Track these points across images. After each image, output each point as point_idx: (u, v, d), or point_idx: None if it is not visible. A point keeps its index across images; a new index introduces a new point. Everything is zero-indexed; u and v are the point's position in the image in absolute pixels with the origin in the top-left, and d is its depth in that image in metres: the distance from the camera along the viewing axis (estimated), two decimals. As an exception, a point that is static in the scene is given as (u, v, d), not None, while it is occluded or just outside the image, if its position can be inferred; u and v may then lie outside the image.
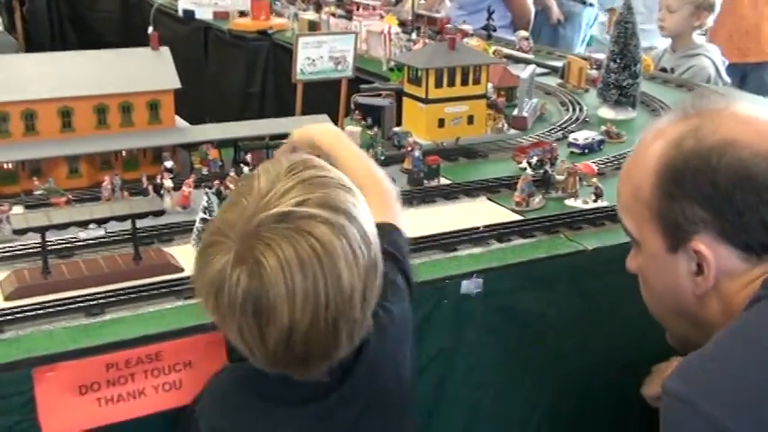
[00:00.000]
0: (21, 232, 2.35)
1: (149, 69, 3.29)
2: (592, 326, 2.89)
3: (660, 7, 5.78)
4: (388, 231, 2.18)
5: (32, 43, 9.93)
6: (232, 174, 3.06)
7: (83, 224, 2.41)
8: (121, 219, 2.45)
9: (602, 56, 5.36)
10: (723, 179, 1.75)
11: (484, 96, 3.93)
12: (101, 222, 2.41)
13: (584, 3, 8.77)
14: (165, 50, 3.36)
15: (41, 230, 2.33)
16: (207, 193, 2.64)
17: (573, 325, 2.85)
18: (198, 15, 7.65)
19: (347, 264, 1.64)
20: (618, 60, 4.28)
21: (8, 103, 3.00)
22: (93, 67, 3.23)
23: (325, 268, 1.61)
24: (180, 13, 7.87)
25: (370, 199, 2.07)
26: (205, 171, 3.30)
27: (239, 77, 7.11)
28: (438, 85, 3.78)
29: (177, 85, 3.28)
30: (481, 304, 2.62)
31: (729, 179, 1.74)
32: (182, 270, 2.52)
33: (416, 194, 3.19)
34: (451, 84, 3.81)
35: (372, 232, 1.74)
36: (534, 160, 3.28)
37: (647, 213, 1.89)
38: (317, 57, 3.71)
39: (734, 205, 1.74)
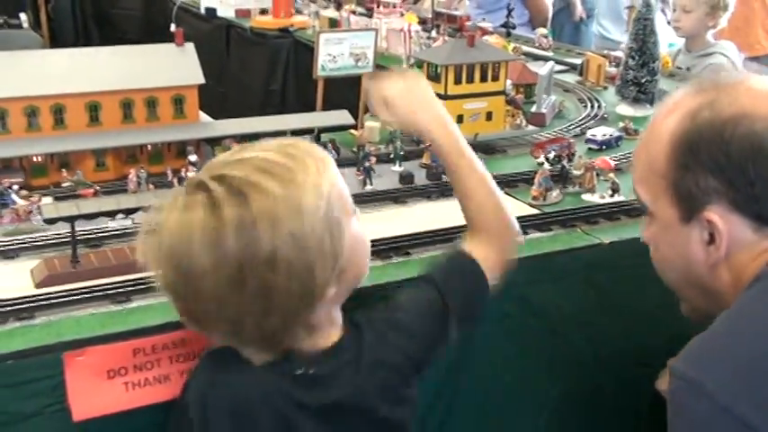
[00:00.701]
0: (51, 221, 2.43)
1: (174, 65, 3.36)
2: (606, 319, 2.93)
3: (674, 8, 5.77)
4: (467, 274, 2.21)
5: (57, 41, 10.07)
6: (254, 167, 3.12)
7: (111, 214, 2.48)
8: (148, 209, 2.51)
9: (621, 53, 5.40)
10: (737, 150, 1.78)
11: (502, 93, 3.96)
12: (128, 213, 2.49)
13: None
14: (190, 46, 3.43)
15: (71, 220, 2.40)
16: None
17: (587, 317, 2.89)
18: (220, 13, 7.75)
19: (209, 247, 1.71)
20: (636, 57, 4.31)
21: (38, 97, 3.08)
22: (120, 63, 3.31)
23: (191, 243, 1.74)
24: (202, 10, 7.97)
25: (485, 238, 2.14)
26: (228, 165, 3.37)
27: (260, 75, 7.19)
28: (457, 81, 3.81)
29: (201, 80, 3.35)
30: (497, 295, 2.66)
31: (743, 151, 1.78)
32: (205, 260, 2.58)
33: (435, 189, 3.24)
34: (470, 80, 3.84)
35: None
36: (552, 155, 3.32)
37: (662, 184, 1.93)
38: (337, 53, 3.76)
39: (746, 176, 1.78)
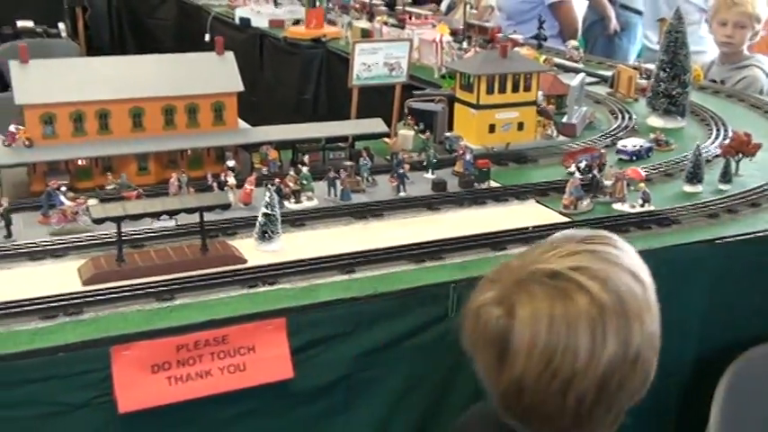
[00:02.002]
0: (99, 221, 2.52)
1: (214, 73, 3.45)
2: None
3: (721, 22, 5.71)
4: None
5: (93, 49, 10.26)
6: (291, 173, 3.21)
7: (155, 215, 2.57)
8: (191, 211, 2.61)
9: (652, 66, 5.43)
10: None
11: (534, 103, 4.02)
12: (172, 214, 2.58)
13: (640, 13, 8.75)
14: (230, 55, 3.52)
15: (117, 220, 2.49)
16: (269, 190, 2.78)
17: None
18: (254, 23, 7.88)
19: (589, 342, 1.59)
20: (667, 69, 4.34)
21: (85, 102, 3.19)
22: (162, 71, 3.41)
23: (570, 336, 1.60)
24: (237, 20, 8.11)
25: None
26: (265, 171, 3.46)
27: (293, 84, 7.30)
28: (489, 91, 3.88)
29: (240, 88, 3.44)
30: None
31: None
32: (245, 261, 2.67)
33: (467, 196, 3.30)
34: (502, 90, 3.91)
35: (638, 346, 1.66)
36: (583, 165, 3.36)
37: None
38: (372, 63, 3.84)
39: None
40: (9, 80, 7.82)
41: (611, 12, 8.55)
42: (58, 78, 3.24)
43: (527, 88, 3.97)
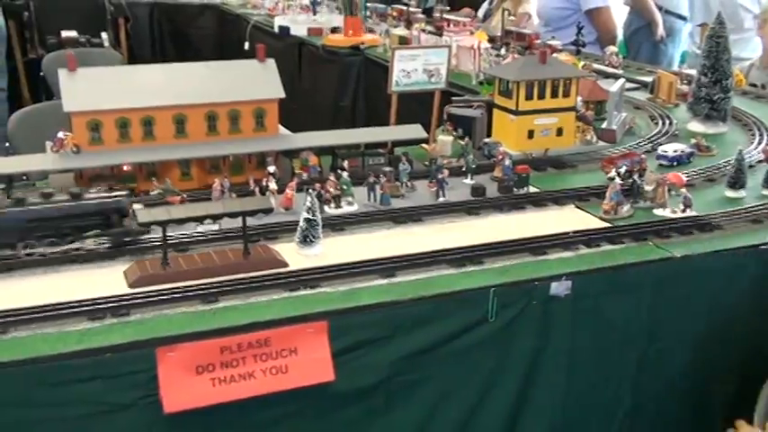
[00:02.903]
0: (145, 225, 2.57)
1: (256, 80, 3.50)
2: (676, 332, 2.95)
3: None
4: None
5: (135, 58, 10.42)
6: (332, 178, 3.24)
7: (199, 219, 2.62)
8: (234, 215, 2.65)
9: (693, 71, 5.38)
10: None
11: (573, 109, 4.00)
12: (215, 218, 2.62)
13: (685, 19, 8.67)
14: (271, 62, 3.57)
15: (163, 224, 2.54)
16: (310, 195, 2.81)
17: (658, 330, 2.91)
18: (293, 32, 7.96)
19: None
20: (709, 75, 4.31)
21: (130, 110, 3.25)
22: (205, 78, 3.46)
23: None
24: (276, 29, 8.20)
25: None
26: (305, 176, 3.49)
27: (331, 91, 7.36)
28: (528, 97, 3.87)
29: (282, 95, 3.48)
30: (569, 306, 2.72)
31: None
32: (286, 265, 2.70)
33: (506, 201, 3.31)
34: (542, 96, 3.90)
35: None
36: (623, 170, 3.35)
37: None
38: (411, 69, 3.86)
39: None
40: (54, 88, 7.92)
41: (660, 18, 8.48)
42: (104, 86, 3.32)
43: (566, 94, 3.95)
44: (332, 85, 7.34)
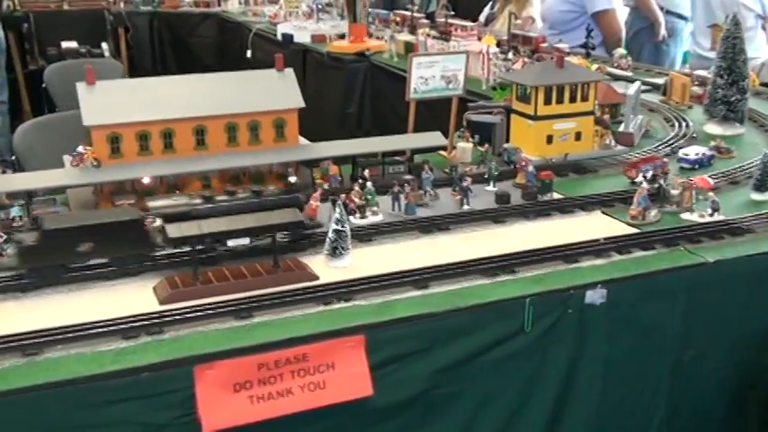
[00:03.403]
0: (176, 241, 2.53)
1: (275, 90, 3.46)
2: (710, 337, 2.92)
3: None
4: None
5: (136, 67, 10.40)
6: (356, 188, 3.20)
7: (231, 235, 2.58)
8: (266, 230, 2.61)
9: (703, 72, 5.37)
10: None
11: (591, 113, 3.98)
12: (249, 233, 2.58)
13: (686, 19, 8.67)
14: (290, 72, 3.53)
15: (195, 240, 2.50)
16: (339, 206, 2.78)
17: (691, 336, 2.88)
18: (297, 39, 7.94)
19: None
20: (725, 76, 4.28)
21: (150, 122, 3.21)
22: (224, 88, 3.42)
23: None
24: (279, 36, 8.17)
25: None
26: (326, 186, 3.46)
27: (337, 98, 7.33)
28: (547, 102, 3.84)
29: (301, 104, 3.45)
30: (604, 314, 2.69)
31: None
32: (317, 278, 2.66)
33: (532, 208, 3.27)
34: (560, 101, 3.87)
35: None
36: (650, 174, 3.32)
37: None
38: (429, 76, 3.83)
39: None
40: (56, 99, 7.87)
41: (662, 18, 8.47)
42: (123, 99, 3.27)
43: (584, 98, 3.92)
44: (337, 91, 7.31)
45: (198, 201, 3.14)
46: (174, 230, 2.54)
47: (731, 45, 4.23)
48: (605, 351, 2.75)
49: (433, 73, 3.85)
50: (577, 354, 2.71)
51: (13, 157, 6.16)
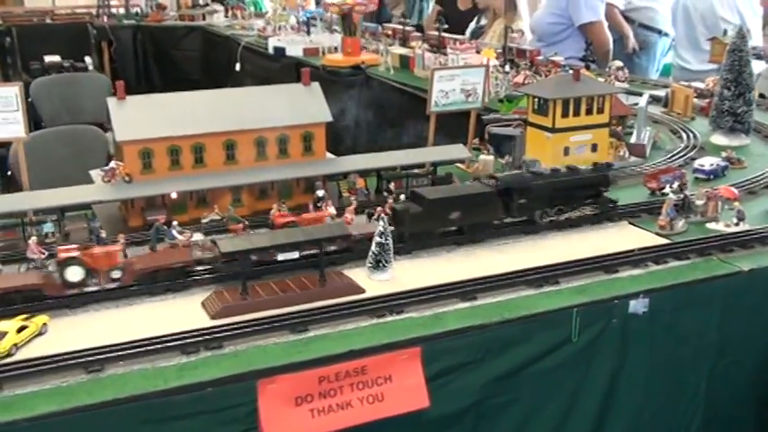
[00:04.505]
0: (228, 256, 2.53)
1: (302, 104, 3.48)
2: (745, 344, 2.98)
3: None
4: None
5: (119, 81, 10.31)
6: (390, 201, 3.22)
7: (281, 248, 2.58)
8: (313, 243, 2.62)
9: (701, 84, 5.48)
10: None
11: (607, 125, 4.04)
12: (297, 247, 2.59)
13: (660, 32, 8.85)
14: (316, 86, 3.56)
15: (247, 254, 2.50)
16: (382, 219, 2.79)
17: (727, 344, 2.93)
18: (289, 52, 7.94)
19: None
20: (732, 88, 4.38)
21: (181, 137, 3.20)
22: (252, 103, 3.43)
23: None
24: (271, 50, 8.17)
25: None
26: (353, 199, 3.47)
27: (333, 110, 7.29)
28: (564, 114, 3.90)
29: (329, 118, 3.47)
30: (647, 323, 2.73)
31: None
32: (363, 291, 2.67)
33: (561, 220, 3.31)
34: (577, 113, 3.94)
35: None
36: (676, 185, 3.38)
37: None
38: (450, 89, 3.87)
39: None
40: (42, 114, 7.79)
41: (629, 31, 8.63)
42: (153, 114, 3.27)
43: (600, 110, 4.00)
44: (333, 104, 7.28)
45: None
46: (225, 245, 2.54)
47: (737, 58, 4.33)
48: (646, 360, 2.79)
49: (453, 86, 3.90)
50: (620, 362, 2.75)
51: (9, 173, 6.09)
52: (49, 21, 11.12)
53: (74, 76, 9.38)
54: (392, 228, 2.82)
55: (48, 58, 9.74)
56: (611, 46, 8.16)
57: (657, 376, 2.82)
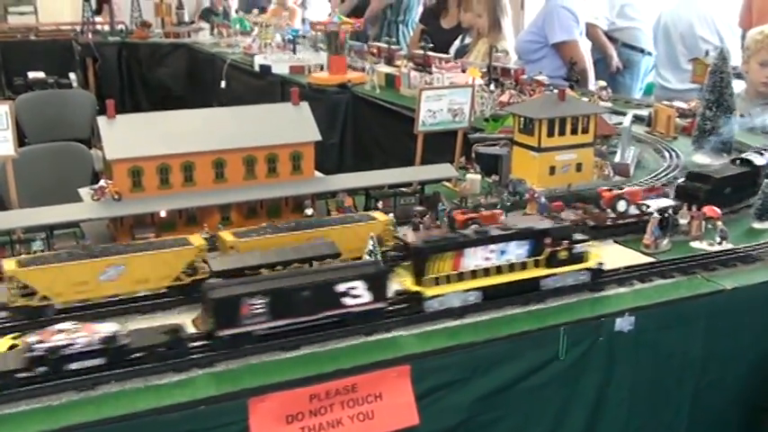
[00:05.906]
0: (220, 274, 2.55)
1: (291, 123, 3.51)
2: (728, 362, 3.02)
3: (763, 63, 5.72)
4: None
5: (103, 98, 10.27)
6: (378, 220, 3.25)
7: (272, 266, 2.60)
8: (305, 261, 2.64)
9: (683, 104, 5.55)
10: None
11: (591, 145, 4.09)
12: (287, 264, 2.61)
13: (643, 51, 8.96)
14: (305, 105, 3.59)
15: (237, 272, 2.52)
16: (372, 238, 2.82)
17: (711, 361, 2.98)
18: (275, 70, 7.98)
19: None
20: (714, 108, 4.45)
21: (170, 156, 3.22)
22: (241, 122, 3.46)
23: None
24: (256, 68, 8.21)
25: None
26: (341, 218, 3.49)
27: (319, 128, 7.33)
28: (550, 134, 3.95)
29: (318, 137, 3.50)
30: (632, 341, 2.77)
31: None
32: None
33: (547, 238, 3.35)
34: (562, 133, 3.98)
35: None
36: (662, 204, 3.43)
37: None
38: (437, 109, 3.92)
39: None
40: (26, 130, 7.74)
41: (613, 50, 8.74)
42: (143, 133, 3.28)
43: (585, 130, 4.05)
44: (319, 122, 7.30)
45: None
46: (216, 264, 2.56)
47: (719, 79, 4.41)
48: (631, 377, 2.82)
49: (440, 106, 3.94)
50: (606, 380, 2.79)
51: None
52: (33, 37, 11.12)
53: (58, 93, 9.38)
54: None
55: (32, 75, 9.73)
56: (587, 65, 8.23)
57: (643, 393, 2.86)
